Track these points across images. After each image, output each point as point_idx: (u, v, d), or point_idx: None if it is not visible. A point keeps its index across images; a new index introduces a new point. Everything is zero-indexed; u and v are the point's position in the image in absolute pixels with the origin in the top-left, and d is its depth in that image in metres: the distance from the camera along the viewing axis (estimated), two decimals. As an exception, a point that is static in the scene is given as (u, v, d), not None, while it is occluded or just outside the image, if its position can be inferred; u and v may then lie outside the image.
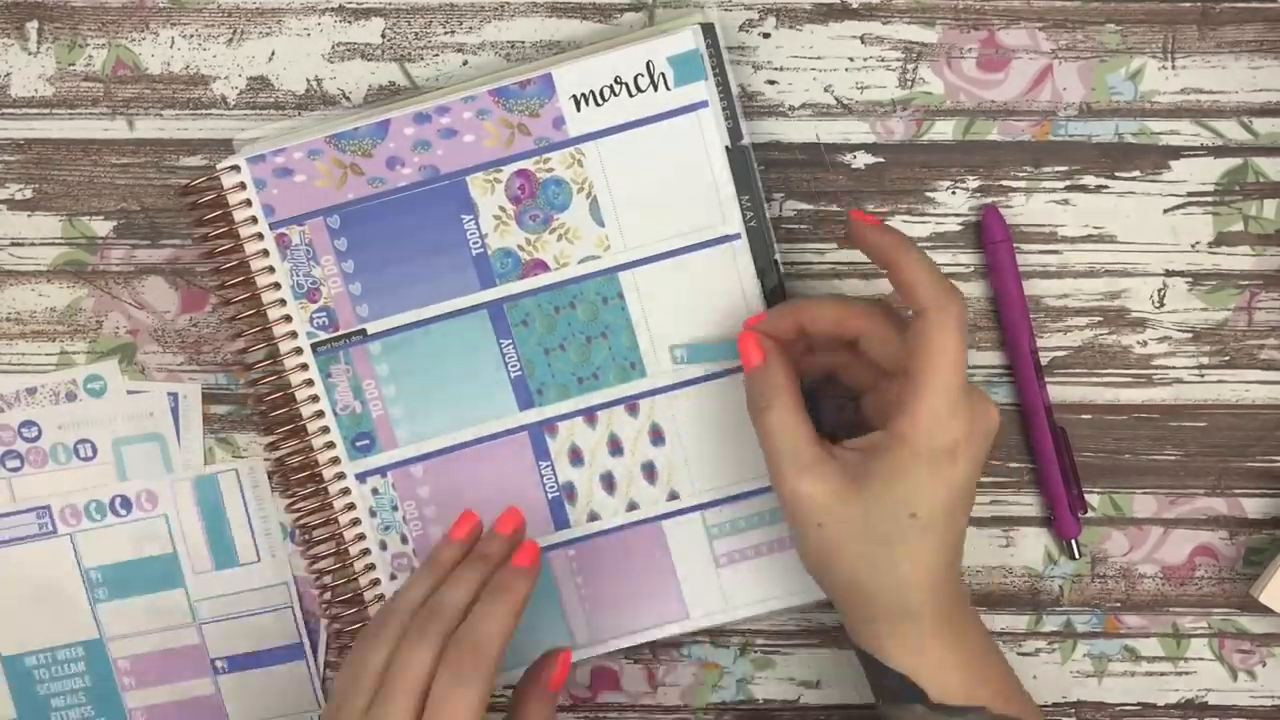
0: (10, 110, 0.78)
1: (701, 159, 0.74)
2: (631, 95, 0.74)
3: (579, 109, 0.74)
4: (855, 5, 0.77)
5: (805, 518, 0.69)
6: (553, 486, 0.78)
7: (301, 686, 0.81)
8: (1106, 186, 0.78)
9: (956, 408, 0.66)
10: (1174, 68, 0.77)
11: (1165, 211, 0.78)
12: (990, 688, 0.70)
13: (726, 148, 0.74)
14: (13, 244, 0.79)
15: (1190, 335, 0.78)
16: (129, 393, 0.79)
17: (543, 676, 0.73)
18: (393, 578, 0.78)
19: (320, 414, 0.77)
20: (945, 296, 0.66)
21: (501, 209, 0.75)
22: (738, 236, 0.75)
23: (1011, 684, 0.71)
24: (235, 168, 0.75)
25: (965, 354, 0.66)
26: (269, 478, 0.80)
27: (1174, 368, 0.79)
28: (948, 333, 0.66)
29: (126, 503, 0.80)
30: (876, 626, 0.70)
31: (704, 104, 0.74)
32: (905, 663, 0.69)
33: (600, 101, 0.74)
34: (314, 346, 0.76)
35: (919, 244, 0.78)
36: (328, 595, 0.79)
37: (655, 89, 0.74)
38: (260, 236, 0.76)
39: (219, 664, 0.81)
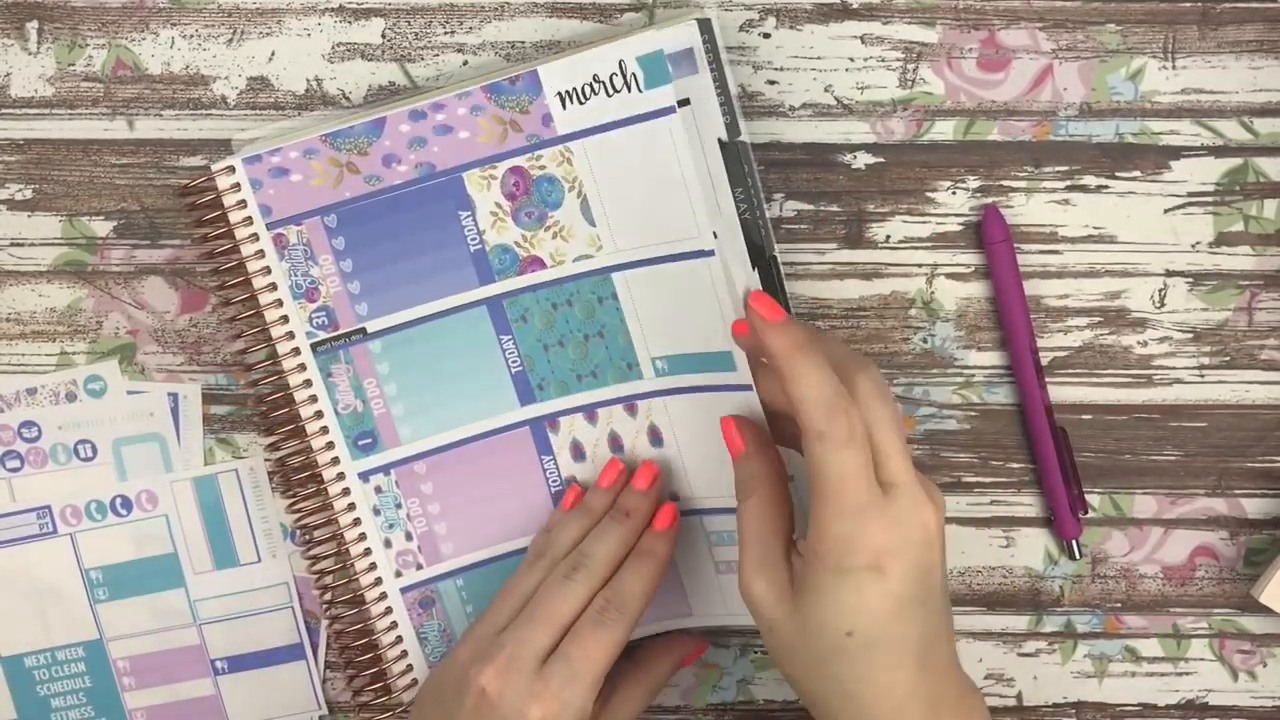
0: (10, 110, 0.78)
1: (673, 167, 0.72)
2: (609, 95, 0.73)
3: (564, 106, 0.73)
4: (855, 5, 0.77)
5: (758, 618, 0.67)
6: (555, 481, 0.78)
7: (301, 686, 0.81)
8: (1107, 186, 0.78)
9: (864, 525, 0.63)
10: (1174, 68, 0.77)
11: (1166, 211, 0.78)
12: None
13: (721, 141, 0.74)
14: (13, 244, 0.79)
15: (1190, 335, 0.78)
16: (129, 393, 0.79)
17: (679, 649, 0.78)
18: (398, 574, 0.78)
19: (320, 414, 0.77)
20: (826, 418, 0.63)
21: (498, 205, 0.75)
22: (711, 253, 0.72)
23: None
24: (230, 168, 0.75)
25: (863, 468, 0.63)
26: (270, 478, 0.80)
27: (1174, 368, 0.79)
28: (835, 453, 0.62)
29: (127, 503, 0.80)
30: None
31: (670, 110, 0.72)
32: None
33: (583, 99, 0.73)
34: (314, 346, 0.76)
35: (920, 245, 0.78)
36: (328, 595, 0.79)
37: (629, 90, 0.72)
38: (257, 237, 0.75)
39: (219, 664, 0.81)
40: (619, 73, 0.72)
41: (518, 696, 0.69)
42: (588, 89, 0.73)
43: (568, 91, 0.73)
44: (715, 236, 0.71)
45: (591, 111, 0.73)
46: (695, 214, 0.72)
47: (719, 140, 0.74)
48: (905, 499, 0.64)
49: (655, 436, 0.77)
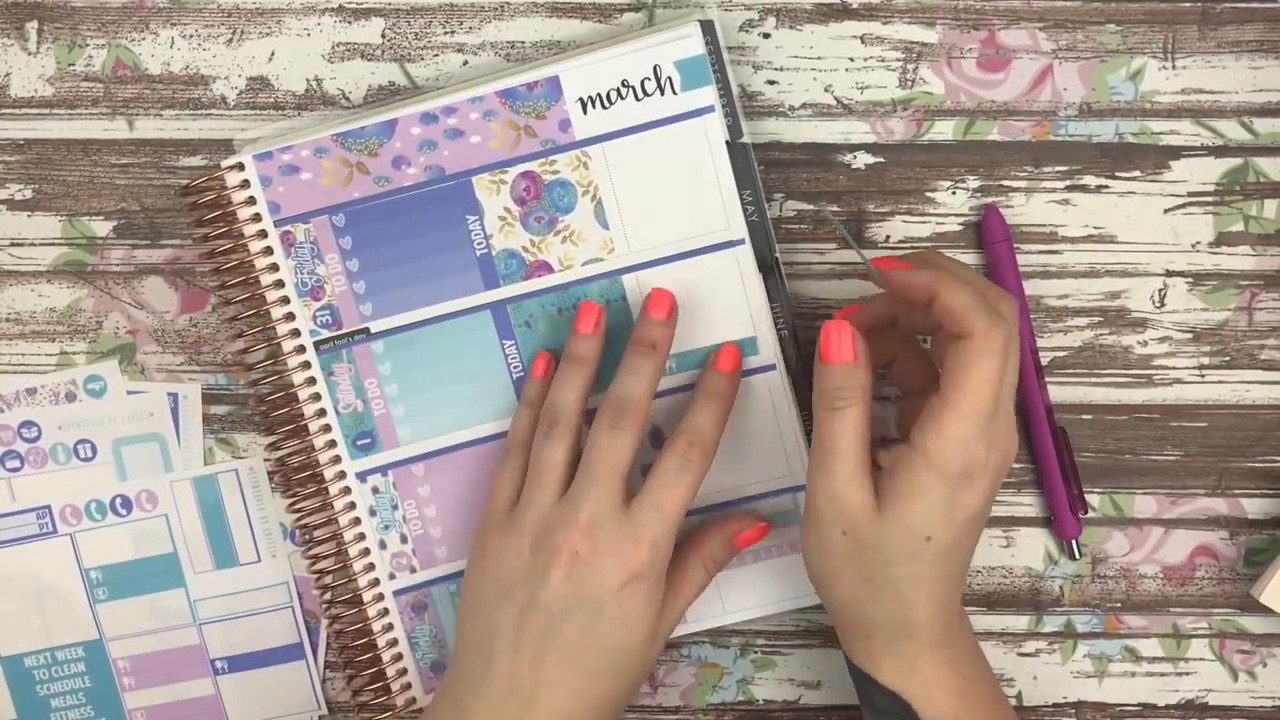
0: (10, 110, 0.78)
1: (707, 164, 0.74)
2: (638, 99, 0.74)
3: (585, 111, 0.74)
4: (855, 5, 0.77)
5: (834, 521, 0.68)
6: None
7: (301, 686, 0.81)
8: (1107, 186, 0.78)
9: (982, 434, 0.65)
10: (1174, 68, 0.77)
11: (1165, 211, 0.78)
12: (979, 710, 0.70)
13: (727, 143, 0.74)
14: (13, 244, 0.79)
15: (1190, 335, 0.78)
16: (129, 393, 0.79)
17: (735, 525, 0.76)
18: (391, 577, 0.78)
19: (322, 412, 0.77)
20: (989, 321, 0.65)
21: (507, 210, 0.75)
22: (741, 242, 0.75)
23: (1000, 708, 0.71)
24: (240, 165, 0.75)
25: (1004, 380, 0.65)
26: (270, 478, 0.80)
27: (1174, 368, 0.79)
28: (988, 358, 0.65)
29: (127, 502, 0.79)
30: (872, 644, 0.70)
31: (710, 109, 0.74)
32: (898, 682, 0.69)
33: (607, 104, 0.74)
34: (317, 345, 0.76)
35: (920, 245, 0.78)
36: (328, 595, 0.79)
37: (662, 93, 0.74)
38: (264, 234, 0.76)
39: (219, 664, 0.81)
40: (652, 77, 0.73)
41: (613, 546, 0.69)
42: (614, 94, 0.74)
43: (590, 97, 0.74)
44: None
45: (616, 115, 0.74)
46: (726, 208, 0.74)
47: (725, 143, 0.74)
48: (1004, 423, 0.67)
49: (656, 437, 0.77)
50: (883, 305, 0.73)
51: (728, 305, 0.75)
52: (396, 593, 0.78)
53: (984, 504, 0.67)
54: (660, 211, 0.75)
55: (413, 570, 0.78)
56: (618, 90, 0.74)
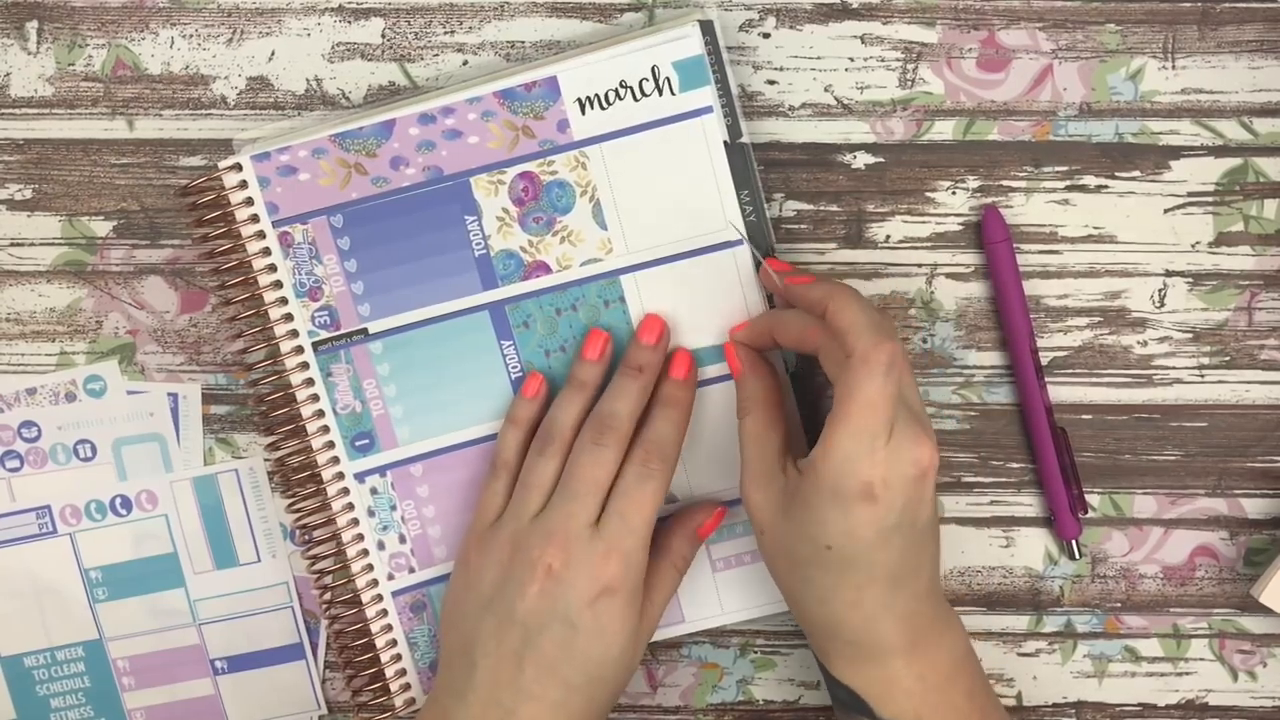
0: (10, 110, 0.78)
1: (705, 164, 0.74)
2: (637, 99, 0.74)
3: (584, 112, 0.74)
4: (855, 5, 0.77)
5: (754, 524, 0.71)
6: (552, 487, 0.78)
7: (301, 686, 0.81)
8: (1106, 186, 0.78)
9: (872, 452, 0.65)
10: (1174, 68, 0.77)
11: (1165, 211, 0.78)
12: (948, 715, 0.70)
13: (725, 143, 0.74)
14: (13, 244, 0.79)
15: (1190, 335, 0.78)
16: (129, 393, 0.79)
17: (695, 519, 0.76)
18: (390, 577, 0.78)
19: (320, 413, 0.77)
20: (874, 341, 0.65)
21: (505, 210, 0.75)
22: (739, 242, 0.75)
23: (982, 714, 0.71)
24: (238, 166, 0.75)
25: (892, 398, 0.65)
26: (269, 478, 0.80)
27: (1174, 368, 0.79)
28: (871, 378, 0.65)
29: (126, 502, 0.80)
30: (814, 639, 0.72)
31: (709, 109, 0.74)
32: (849, 678, 0.71)
33: (605, 105, 0.74)
34: (315, 345, 0.76)
35: (920, 245, 0.78)
36: (328, 595, 0.79)
37: (660, 93, 0.74)
38: (262, 235, 0.76)
39: (219, 664, 0.81)
40: (650, 77, 0.73)
41: (584, 561, 0.70)
42: (612, 94, 0.74)
43: (588, 97, 0.74)
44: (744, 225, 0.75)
45: (614, 116, 0.74)
46: (725, 208, 0.74)
47: (723, 143, 0.74)
48: (906, 435, 0.66)
49: None
50: (766, 322, 0.74)
51: (726, 306, 0.75)
52: (395, 593, 0.78)
53: (896, 519, 0.66)
54: (658, 212, 0.75)
55: (411, 570, 0.78)
56: (616, 91, 0.74)
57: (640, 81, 0.74)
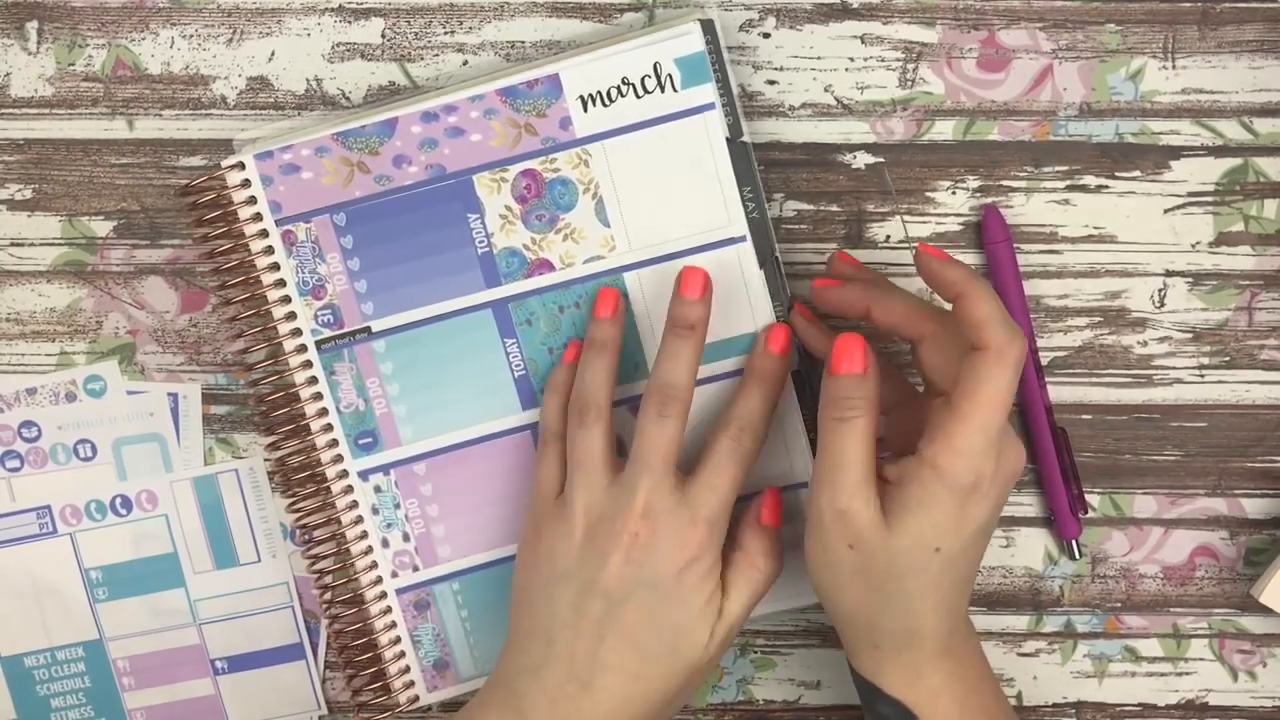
0: (10, 110, 0.78)
1: (707, 160, 0.74)
2: (639, 96, 0.74)
3: (586, 109, 0.74)
4: (855, 5, 0.77)
5: (840, 536, 0.68)
6: (556, 487, 0.78)
7: (301, 686, 0.81)
8: (1107, 186, 0.78)
9: (990, 447, 0.66)
10: (1174, 68, 0.77)
11: (1165, 211, 0.78)
12: (981, 717, 0.71)
13: (727, 140, 0.74)
14: (13, 244, 0.79)
15: (1190, 335, 0.78)
16: (129, 393, 0.79)
17: (752, 511, 0.75)
18: (394, 575, 0.78)
19: (323, 412, 0.77)
20: (1008, 338, 0.65)
21: (507, 208, 0.75)
22: (743, 239, 0.75)
23: (1002, 712, 0.72)
24: (240, 165, 0.75)
25: (1012, 396, 0.66)
26: (270, 478, 0.80)
27: (1174, 368, 0.79)
28: (1003, 373, 0.65)
29: (126, 502, 0.79)
30: (879, 654, 0.70)
31: (711, 106, 0.74)
32: (903, 691, 0.70)
33: (607, 102, 0.74)
34: (318, 344, 0.76)
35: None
36: (328, 595, 0.79)
37: (662, 90, 0.74)
38: (265, 233, 0.76)
39: (219, 664, 0.81)
40: (652, 74, 0.73)
41: (672, 529, 0.70)
42: (614, 92, 0.74)
43: (590, 95, 0.74)
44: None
45: (616, 113, 0.74)
46: (727, 205, 0.74)
47: (724, 140, 0.74)
48: (1009, 436, 0.67)
49: None
50: (862, 296, 0.72)
51: (730, 302, 0.75)
52: (399, 591, 0.78)
53: (992, 515, 0.68)
54: (661, 208, 0.75)
55: (415, 569, 0.78)
56: (618, 88, 0.74)
57: (642, 78, 0.74)
